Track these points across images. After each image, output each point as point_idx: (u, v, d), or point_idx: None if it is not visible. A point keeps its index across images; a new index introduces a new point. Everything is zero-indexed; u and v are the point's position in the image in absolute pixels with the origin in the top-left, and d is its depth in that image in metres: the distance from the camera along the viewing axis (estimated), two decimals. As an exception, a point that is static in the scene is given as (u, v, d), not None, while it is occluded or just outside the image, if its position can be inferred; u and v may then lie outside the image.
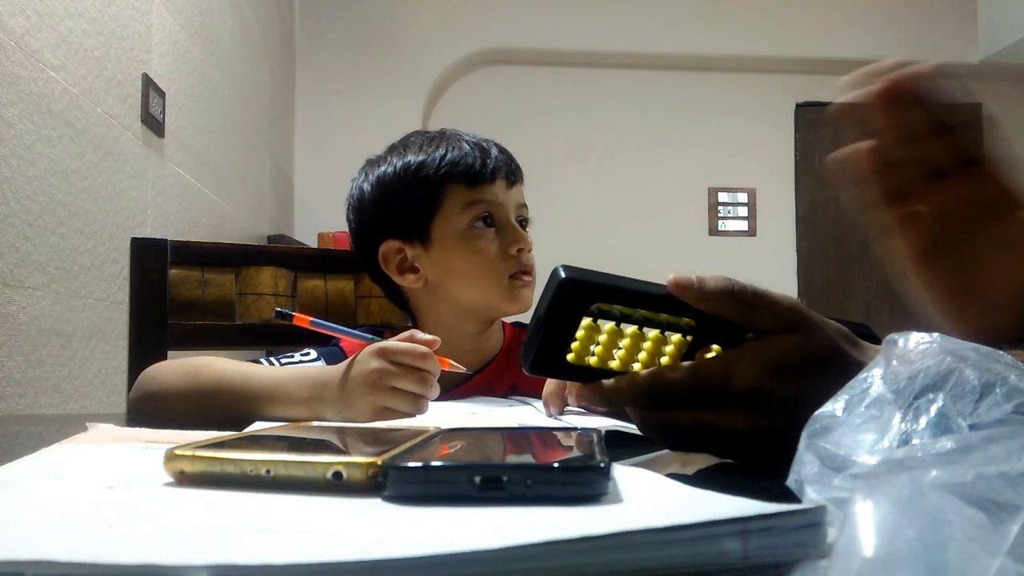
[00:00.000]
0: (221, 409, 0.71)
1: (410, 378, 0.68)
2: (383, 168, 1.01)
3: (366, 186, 1.02)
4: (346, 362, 0.70)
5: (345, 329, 0.78)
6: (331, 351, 0.96)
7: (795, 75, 4.46)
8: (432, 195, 0.98)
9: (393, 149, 1.04)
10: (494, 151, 1.01)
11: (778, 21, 4.31)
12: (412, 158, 1.00)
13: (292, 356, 0.94)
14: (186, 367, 0.79)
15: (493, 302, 0.98)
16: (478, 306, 1.00)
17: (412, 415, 0.68)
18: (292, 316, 0.74)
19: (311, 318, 0.75)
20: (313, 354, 0.95)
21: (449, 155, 0.98)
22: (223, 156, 2.68)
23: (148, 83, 1.96)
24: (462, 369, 0.75)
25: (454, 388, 0.99)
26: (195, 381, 0.76)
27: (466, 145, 1.00)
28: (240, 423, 0.59)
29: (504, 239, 0.98)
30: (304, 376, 0.72)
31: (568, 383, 0.71)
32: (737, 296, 0.45)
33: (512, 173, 1.01)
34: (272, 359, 0.92)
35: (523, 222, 1.02)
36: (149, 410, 0.78)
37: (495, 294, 0.97)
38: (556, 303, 0.46)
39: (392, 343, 0.70)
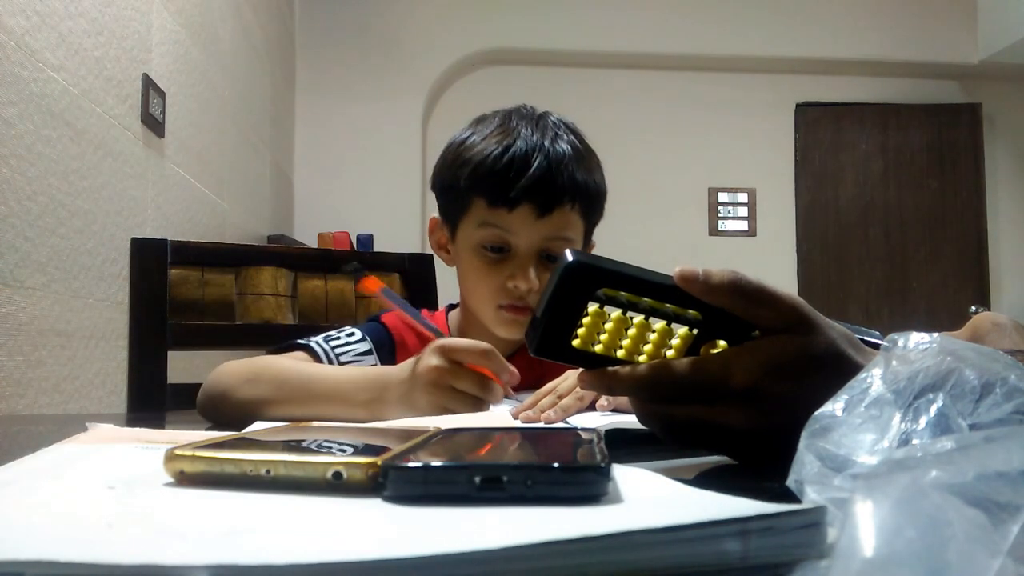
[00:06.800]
0: (283, 413, 0.73)
1: (471, 380, 0.67)
2: (454, 138, 0.98)
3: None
4: (408, 361, 0.71)
5: (412, 309, 0.79)
6: (373, 326, 0.96)
7: (795, 75, 4.45)
8: (461, 198, 0.95)
9: (480, 120, 0.98)
10: (535, 172, 0.88)
11: (778, 21, 4.30)
12: (470, 141, 0.94)
13: (339, 338, 0.94)
14: (250, 371, 0.80)
15: (483, 319, 0.97)
16: (474, 313, 0.99)
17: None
18: (366, 275, 0.74)
19: (383, 286, 0.75)
20: (358, 334, 0.95)
21: (486, 164, 0.90)
22: (223, 156, 2.68)
23: (148, 83, 1.96)
24: (513, 396, 0.71)
25: None
26: (257, 385, 0.78)
27: (509, 155, 0.89)
28: None
29: (508, 269, 0.92)
30: (364, 377, 0.73)
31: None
32: (742, 291, 0.45)
33: (549, 201, 0.89)
34: (319, 340, 0.91)
35: (550, 256, 0.92)
36: (215, 413, 0.80)
37: (484, 315, 0.96)
38: (562, 286, 0.46)
39: (454, 340, 0.69)
